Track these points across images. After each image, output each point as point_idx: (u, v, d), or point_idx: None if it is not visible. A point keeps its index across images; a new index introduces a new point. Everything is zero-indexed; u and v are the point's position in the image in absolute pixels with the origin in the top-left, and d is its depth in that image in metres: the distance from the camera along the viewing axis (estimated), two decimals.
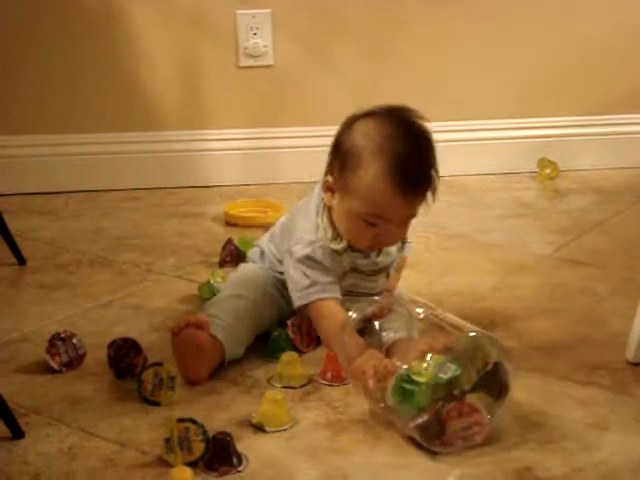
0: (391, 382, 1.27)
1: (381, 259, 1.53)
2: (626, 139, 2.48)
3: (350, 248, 1.49)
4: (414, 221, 2.04)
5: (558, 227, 2.09)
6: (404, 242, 1.57)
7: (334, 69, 2.35)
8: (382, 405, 1.30)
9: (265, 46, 2.34)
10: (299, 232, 1.51)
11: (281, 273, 1.55)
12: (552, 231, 2.07)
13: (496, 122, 2.43)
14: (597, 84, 2.44)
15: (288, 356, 1.42)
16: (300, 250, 1.48)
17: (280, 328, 1.52)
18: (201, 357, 1.41)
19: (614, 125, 2.48)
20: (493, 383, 1.27)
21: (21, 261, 1.88)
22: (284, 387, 1.40)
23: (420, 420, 1.25)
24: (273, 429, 1.29)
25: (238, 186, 2.32)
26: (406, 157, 1.42)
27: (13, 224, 1.90)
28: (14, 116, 2.31)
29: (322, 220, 1.50)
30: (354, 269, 1.51)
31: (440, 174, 2.33)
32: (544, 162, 2.41)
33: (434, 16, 2.37)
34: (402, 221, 1.47)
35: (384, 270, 1.55)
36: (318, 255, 1.48)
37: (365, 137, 1.43)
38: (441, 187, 2.29)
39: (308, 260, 1.48)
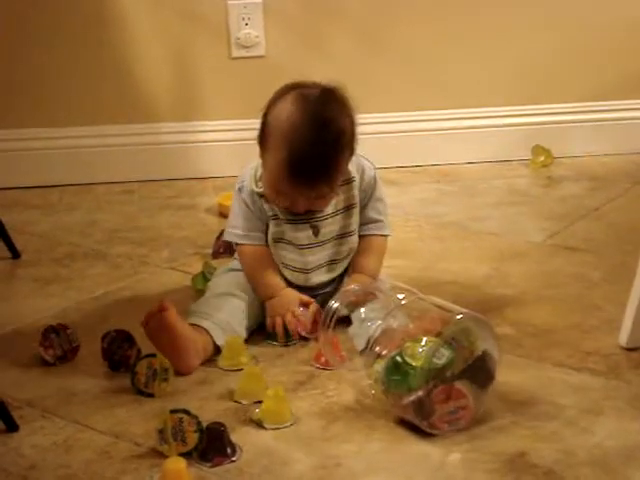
0: (384, 362, 1.29)
1: (309, 215, 1.53)
2: (620, 125, 2.48)
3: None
4: (407, 209, 2.10)
5: (552, 214, 2.09)
6: (351, 208, 1.55)
7: (326, 59, 2.35)
8: (372, 382, 1.31)
9: (257, 36, 2.33)
10: (243, 172, 1.57)
11: None
12: (546, 218, 2.07)
13: (489, 110, 2.43)
14: (590, 71, 2.44)
15: (250, 370, 1.39)
16: (237, 183, 1.57)
17: None
18: (178, 339, 1.40)
19: (608, 111, 2.48)
20: (479, 371, 1.28)
21: (15, 255, 1.88)
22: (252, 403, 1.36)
23: (412, 398, 1.25)
24: (273, 426, 1.29)
25: (231, 177, 2.29)
26: (301, 152, 1.44)
27: (7, 218, 1.90)
28: (7, 110, 2.30)
29: (258, 162, 1.54)
30: (277, 216, 1.53)
31: (433, 162, 2.39)
32: (538, 149, 2.41)
33: (427, 5, 2.36)
34: (310, 198, 1.49)
35: (313, 226, 1.54)
36: (244, 193, 1.54)
37: (278, 119, 1.47)
38: (434, 175, 2.35)
39: (238, 194, 1.55)
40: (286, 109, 1.47)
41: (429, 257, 1.86)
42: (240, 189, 1.56)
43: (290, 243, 1.54)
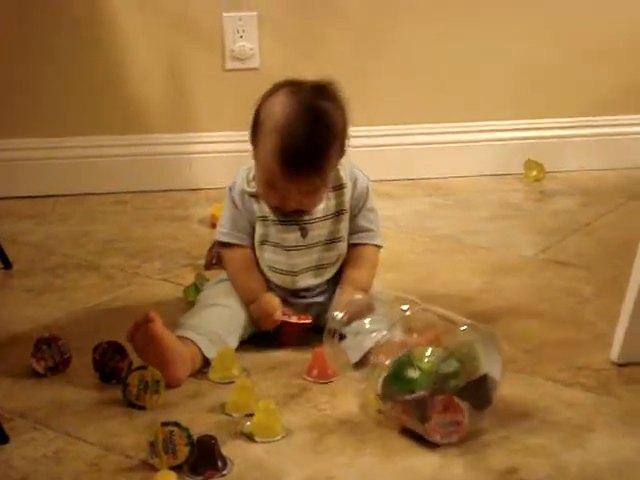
0: (391, 363, 1.30)
1: (295, 215, 1.54)
2: (613, 140, 2.49)
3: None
4: (400, 222, 2.10)
5: (544, 228, 2.10)
6: (341, 214, 1.56)
7: (321, 72, 2.32)
8: (374, 385, 1.31)
9: (251, 49, 2.34)
10: (238, 171, 1.59)
11: None
12: (538, 232, 2.08)
13: (482, 124, 2.44)
14: (584, 86, 2.45)
15: (242, 383, 1.39)
16: (230, 184, 1.58)
17: None
18: (164, 351, 1.40)
19: (601, 127, 2.49)
20: (478, 393, 1.28)
21: (7, 265, 1.88)
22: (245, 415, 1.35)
23: (414, 396, 1.26)
24: (264, 440, 1.28)
25: (225, 189, 2.31)
26: (293, 141, 1.46)
27: None
28: (1, 120, 2.30)
29: (251, 163, 1.56)
30: (266, 217, 1.54)
31: (427, 175, 2.40)
32: (530, 164, 2.42)
33: (422, 20, 2.37)
34: (302, 192, 1.50)
35: (302, 228, 1.54)
36: (234, 193, 1.56)
37: (271, 111, 1.49)
38: (428, 189, 2.36)
39: (229, 193, 1.57)
40: (278, 101, 1.49)
41: (422, 270, 1.87)
42: (231, 188, 1.57)
43: (276, 245, 1.55)
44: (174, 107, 2.36)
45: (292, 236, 1.54)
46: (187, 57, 2.33)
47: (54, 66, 2.29)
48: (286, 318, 1.52)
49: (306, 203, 1.52)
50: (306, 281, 1.56)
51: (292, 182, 1.48)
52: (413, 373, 1.27)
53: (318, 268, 1.57)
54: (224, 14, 2.31)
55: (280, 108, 1.48)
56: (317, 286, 1.57)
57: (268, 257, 1.55)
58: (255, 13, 2.32)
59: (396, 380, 1.29)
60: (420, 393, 1.26)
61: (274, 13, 2.33)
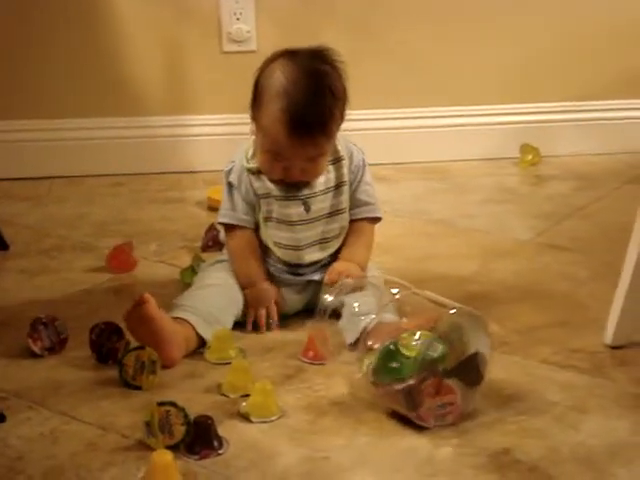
0: (377, 351, 1.30)
1: (298, 190, 1.54)
2: (608, 125, 2.50)
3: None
4: (396, 206, 2.10)
5: (540, 212, 2.10)
6: (341, 186, 1.56)
7: None
8: (364, 371, 1.32)
9: (248, 31, 2.33)
10: (235, 153, 1.59)
11: None
12: (534, 216, 2.08)
13: (478, 108, 2.44)
14: (580, 70, 2.45)
15: (238, 364, 1.39)
16: (226, 167, 1.58)
17: None
18: (158, 331, 1.40)
19: (596, 111, 2.49)
20: (469, 371, 1.28)
21: (3, 247, 1.88)
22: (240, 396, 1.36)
23: (403, 386, 1.26)
24: (259, 420, 1.29)
25: (221, 171, 2.30)
26: (299, 102, 1.46)
27: None
28: None
29: (250, 141, 1.56)
30: (268, 194, 1.54)
31: (423, 159, 2.40)
32: (526, 148, 2.42)
33: (419, 4, 2.37)
34: (307, 159, 1.50)
35: (305, 202, 1.55)
36: (232, 174, 1.56)
37: (272, 77, 1.49)
38: (423, 173, 2.36)
39: (226, 176, 1.57)
40: (278, 68, 1.49)
41: (417, 253, 1.87)
42: (228, 172, 1.58)
43: (281, 221, 1.55)
44: (171, 89, 2.36)
45: (295, 211, 1.55)
46: (184, 40, 2.33)
47: (52, 49, 2.28)
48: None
49: (310, 171, 1.52)
50: (312, 255, 1.57)
51: (298, 146, 1.48)
52: (399, 362, 1.27)
53: (322, 242, 1.58)
54: None
55: (280, 74, 1.48)
56: (320, 260, 1.58)
57: (273, 233, 1.56)
58: None
59: (383, 370, 1.29)
60: (408, 382, 1.26)
61: None
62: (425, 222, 2.05)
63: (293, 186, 1.54)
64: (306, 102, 1.46)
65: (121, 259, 1.76)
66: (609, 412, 1.32)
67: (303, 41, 2.30)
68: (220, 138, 2.34)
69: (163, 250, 1.88)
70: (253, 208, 1.56)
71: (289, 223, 1.55)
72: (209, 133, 2.36)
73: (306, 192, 1.55)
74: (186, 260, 1.78)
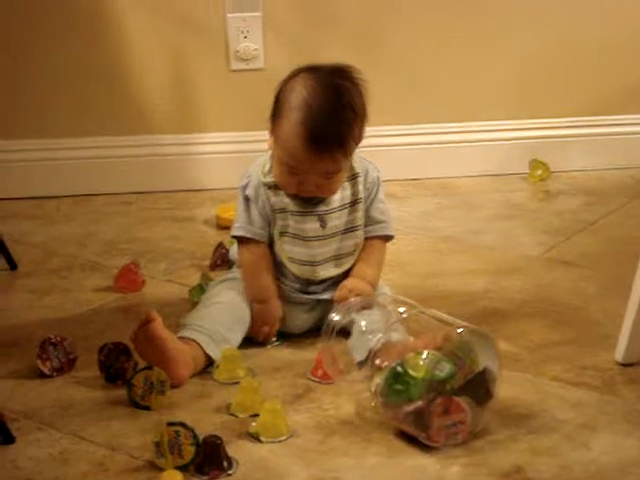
0: (384, 373, 1.29)
1: (314, 206, 1.54)
2: (617, 140, 2.49)
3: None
4: (405, 222, 2.10)
5: (549, 228, 2.10)
6: (357, 203, 1.56)
7: None
8: (371, 394, 1.31)
9: (256, 49, 2.34)
10: (247, 169, 1.58)
11: None
12: (543, 232, 2.07)
13: (487, 123, 2.44)
14: (589, 85, 2.45)
15: (247, 383, 1.38)
16: (241, 181, 1.57)
17: None
18: (165, 350, 1.40)
19: (606, 126, 2.49)
20: (478, 388, 1.28)
21: (12, 266, 1.88)
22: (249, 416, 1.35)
23: (411, 409, 1.26)
24: (269, 439, 1.29)
25: (229, 189, 2.31)
26: (318, 116, 1.46)
27: (4, 229, 1.91)
28: (5, 121, 2.31)
29: (266, 155, 1.56)
30: (284, 209, 1.54)
31: (431, 175, 2.40)
32: (535, 163, 2.42)
33: (425, 20, 2.37)
34: (323, 174, 1.50)
35: (321, 219, 1.54)
36: (249, 188, 1.55)
37: (293, 90, 1.49)
38: (431, 189, 2.35)
39: (242, 191, 1.56)
40: (298, 83, 1.49)
41: (426, 270, 1.87)
42: (244, 186, 1.57)
43: (296, 236, 1.55)
44: (179, 108, 2.36)
45: (311, 226, 1.55)
46: (191, 58, 2.33)
47: (58, 67, 2.29)
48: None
49: (325, 187, 1.52)
50: (327, 271, 1.57)
51: (315, 161, 1.47)
52: (407, 384, 1.27)
53: (337, 258, 1.57)
54: (228, 15, 2.32)
55: (301, 87, 1.48)
56: (332, 278, 1.57)
57: (288, 248, 1.55)
58: (259, 14, 2.32)
59: (391, 392, 1.28)
60: (416, 404, 1.25)
61: (278, 13, 2.33)
62: (434, 239, 2.04)
63: (309, 202, 1.54)
64: (326, 117, 1.46)
65: (129, 278, 1.77)
66: (619, 430, 1.31)
67: (310, 58, 2.31)
68: (228, 156, 2.34)
69: (171, 269, 1.88)
70: (268, 223, 1.55)
71: (305, 239, 1.55)
72: (217, 151, 2.37)
73: (322, 208, 1.55)
74: (195, 279, 1.78)
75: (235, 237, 1.59)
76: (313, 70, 1.51)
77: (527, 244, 2.01)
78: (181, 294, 1.75)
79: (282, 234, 1.55)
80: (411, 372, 1.27)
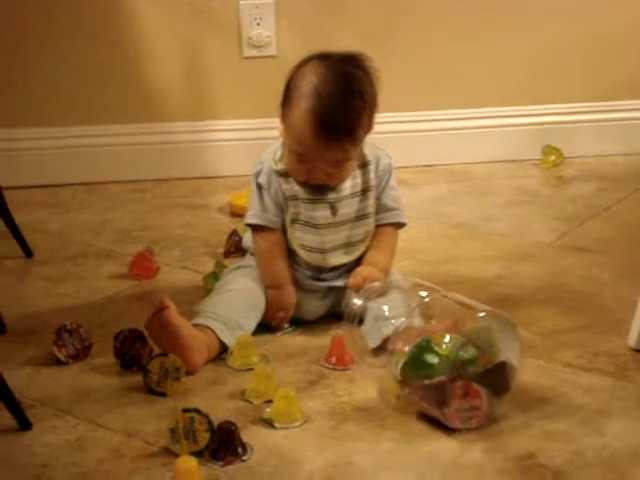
0: (409, 349, 1.30)
1: (325, 194, 1.54)
2: (631, 125, 2.48)
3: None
4: (417, 209, 2.10)
5: (562, 214, 2.10)
6: (368, 191, 1.56)
7: None
8: (394, 370, 1.32)
9: (268, 36, 2.34)
10: (260, 157, 1.59)
11: None
12: (556, 218, 2.07)
13: (500, 109, 2.43)
14: (602, 70, 2.44)
15: (261, 370, 1.39)
16: (254, 169, 1.57)
17: None
18: (179, 337, 1.41)
19: (619, 111, 2.48)
20: (496, 379, 1.28)
21: (28, 254, 1.90)
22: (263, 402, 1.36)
23: (433, 381, 1.27)
24: (283, 426, 1.30)
25: (243, 177, 2.32)
26: (328, 104, 1.46)
27: (20, 217, 1.92)
28: (19, 109, 2.32)
29: (278, 143, 1.56)
30: (295, 197, 1.54)
31: (444, 162, 2.40)
32: (548, 149, 2.41)
33: (437, 5, 2.37)
34: (332, 162, 1.50)
35: (332, 206, 1.55)
36: (262, 176, 1.55)
37: (304, 77, 1.49)
38: (444, 175, 2.36)
39: (254, 179, 1.56)
40: (309, 70, 1.50)
41: (439, 257, 1.87)
42: (257, 173, 1.57)
43: (307, 224, 1.55)
44: (192, 95, 2.37)
45: (322, 214, 1.55)
46: (205, 45, 2.33)
47: (73, 55, 2.30)
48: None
49: (334, 175, 1.52)
50: (337, 259, 1.57)
51: (324, 149, 1.47)
52: (432, 359, 1.28)
53: (347, 245, 1.58)
54: (241, 2, 2.32)
55: (312, 75, 1.48)
56: (345, 265, 1.58)
57: (299, 235, 1.56)
58: (271, 1, 2.32)
59: (415, 366, 1.30)
60: (439, 378, 1.27)
61: (291, 1, 2.33)
62: (446, 225, 2.04)
63: (320, 189, 1.54)
64: (335, 105, 1.46)
65: (143, 266, 1.78)
66: (632, 415, 1.31)
67: (323, 45, 2.31)
68: (241, 143, 2.35)
69: (186, 256, 1.89)
70: (281, 210, 1.56)
71: (315, 226, 1.55)
72: (230, 138, 2.37)
73: (333, 196, 1.55)
74: (209, 266, 1.78)
75: (249, 225, 1.59)
76: (325, 57, 1.51)
77: (540, 230, 2.01)
78: (195, 281, 1.76)
79: (293, 221, 1.56)
80: (436, 349, 1.28)
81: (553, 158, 2.41)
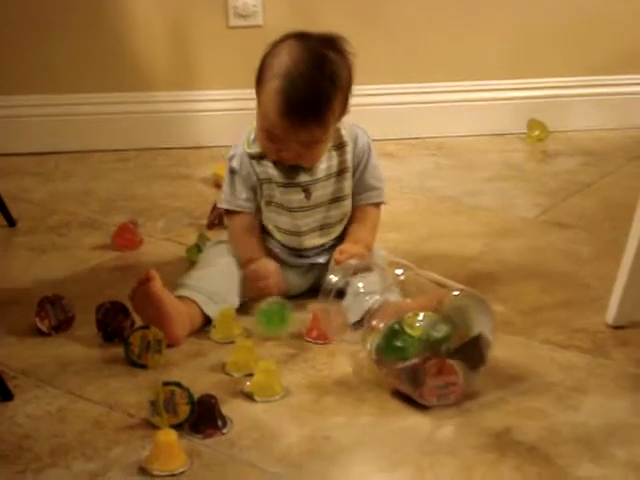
0: (382, 330, 1.31)
1: (299, 177, 1.54)
2: (616, 100, 2.48)
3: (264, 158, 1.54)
4: (403, 182, 2.11)
5: (546, 189, 2.10)
6: (344, 172, 1.56)
7: (324, 29, 2.33)
8: (369, 349, 1.34)
9: (254, 6, 2.33)
10: (239, 140, 1.58)
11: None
12: (540, 193, 2.08)
13: (485, 83, 2.43)
14: (587, 45, 2.44)
15: (242, 343, 1.40)
16: (229, 153, 1.58)
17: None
18: (163, 309, 1.42)
19: (604, 86, 2.48)
20: (472, 353, 1.30)
21: (11, 223, 1.90)
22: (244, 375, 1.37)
23: (406, 364, 1.28)
24: (263, 399, 1.31)
25: (228, 147, 2.31)
26: (296, 85, 1.45)
27: (3, 185, 1.92)
28: (4, 76, 2.30)
29: (252, 124, 1.55)
30: (269, 180, 1.54)
31: (430, 135, 2.40)
32: (533, 123, 2.41)
33: None
34: (302, 143, 1.49)
35: (305, 189, 1.54)
36: (237, 160, 1.55)
37: (278, 55, 1.48)
38: (430, 148, 2.36)
39: (228, 162, 1.56)
40: (284, 48, 1.48)
41: (423, 231, 1.88)
42: (231, 157, 1.57)
43: (281, 206, 1.55)
44: (177, 64, 2.36)
45: (296, 197, 1.55)
46: (190, 14, 2.32)
47: (58, 23, 2.28)
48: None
49: (305, 156, 1.51)
50: (312, 241, 1.57)
51: (290, 130, 1.47)
52: (403, 341, 1.29)
53: (323, 228, 1.58)
54: None
55: (286, 54, 1.47)
56: (322, 245, 1.58)
57: (273, 217, 1.56)
58: None
59: (388, 349, 1.31)
60: (412, 361, 1.28)
61: None
62: (431, 199, 2.05)
63: (293, 171, 1.54)
64: (304, 87, 1.45)
65: (126, 237, 1.78)
66: (609, 392, 1.33)
67: (309, 16, 2.32)
68: (226, 113, 2.34)
69: (169, 227, 1.89)
70: (254, 192, 1.56)
71: (289, 209, 1.55)
72: (215, 108, 2.36)
73: (307, 179, 1.54)
74: (192, 238, 1.79)
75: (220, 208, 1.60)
76: (302, 37, 1.49)
77: (523, 205, 2.02)
78: (178, 253, 1.76)
79: (268, 203, 1.56)
80: (408, 330, 1.29)
81: (537, 133, 2.41)
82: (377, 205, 1.62)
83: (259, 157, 1.54)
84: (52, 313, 1.48)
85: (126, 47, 2.31)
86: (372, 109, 2.33)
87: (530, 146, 2.39)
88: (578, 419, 1.26)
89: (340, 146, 1.56)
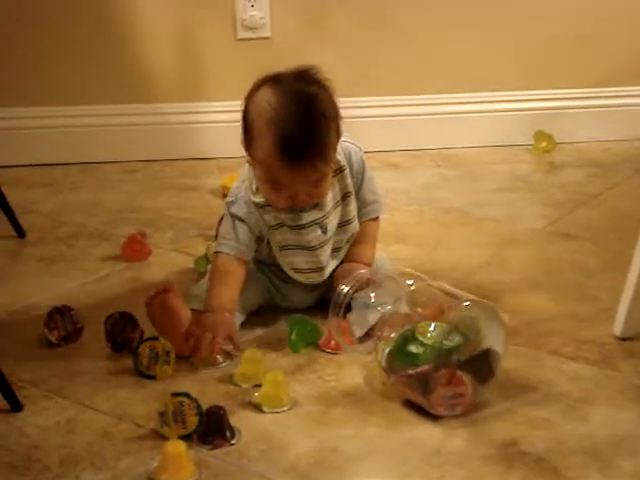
0: (394, 338, 1.32)
1: (311, 215, 1.51)
2: (624, 111, 2.49)
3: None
4: (408, 194, 2.11)
5: (553, 201, 2.11)
6: (347, 197, 1.54)
7: (332, 41, 2.35)
8: (379, 358, 1.34)
9: (262, 18, 2.34)
10: (234, 186, 1.55)
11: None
12: (546, 205, 2.08)
13: (492, 94, 2.44)
14: (595, 56, 2.44)
15: (250, 354, 1.40)
16: (228, 199, 1.54)
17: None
18: (178, 321, 1.42)
19: (611, 97, 2.49)
20: (481, 366, 1.30)
21: (20, 234, 1.90)
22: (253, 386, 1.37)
23: (417, 370, 1.29)
24: (271, 410, 1.31)
25: (236, 159, 2.32)
26: (290, 131, 1.40)
27: (12, 196, 1.92)
28: (12, 88, 2.32)
29: (250, 174, 1.52)
30: (281, 224, 1.52)
31: (436, 146, 2.40)
32: (540, 135, 2.42)
33: None
34: (310, 183, 1.46)
35: (319, 225, 1.52)
36: (240, 207, 1.50)
37: (258, 109, 1.44)
38: (435, 160, 2.36)
39: (227, 209, 1.52)
40: (263, 97, 1.44)
41: (429, 242, 1.88)
42: (230, 203, 1.53)
43: (299, 247, 1.53)
44: (185, 76, 2.37)
45: (314, 235, 1.52)
46: (198, 26, 2.33)
47: (66, 35, 2.30)
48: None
49: (315, 193, 1.48)
50: (329, 268, 1.56)
51: (297, 174, 1.43)
52: (416, 348, 1.30)
53: (334, 251, 1.56)
54: None
55: (266, 103, 1.43)
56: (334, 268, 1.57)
57: (292, 260, 1.53)
58: None
59: (399, 355, 1.32)
60: (423, 367, 1.29)
61: None
62: (437, 210, 2.05)
63: (303, 211, 1.50)
64: (298, 129, 1.41)
65: (135, 248, 1.79)
66: (616, 404, 1.33)
67: (317, 29, 2.33)
68: (234, 125, 2.29)
69: (178, 238, 1.90)
70: (257, 241, 1.52)
71: (310, 249, 1.52)
72: (223, 120, 2.37)
73: (320, 215, 1.51)
74: (200, 249, 1.79)
75: (219, 252, 1.52)
76: (275, 81, 1.45)
77: (530, 217, 2.02)
78: (186, 264, 1.77)
79: (283, 247, 1.53)
80: (421, 338, 1.30)
81: (544, 144, 2.41)
82: (375, 219, 1.61)
83: (267, 205, 1.50)
84: (61, 324, 1.49)
85: (134, 59, 2.33)
86: (377, 120, 2.34)
87: (537, 157, 2.39)
88: (585, 430, 1.27)
89: (339, 171, 1.53)
